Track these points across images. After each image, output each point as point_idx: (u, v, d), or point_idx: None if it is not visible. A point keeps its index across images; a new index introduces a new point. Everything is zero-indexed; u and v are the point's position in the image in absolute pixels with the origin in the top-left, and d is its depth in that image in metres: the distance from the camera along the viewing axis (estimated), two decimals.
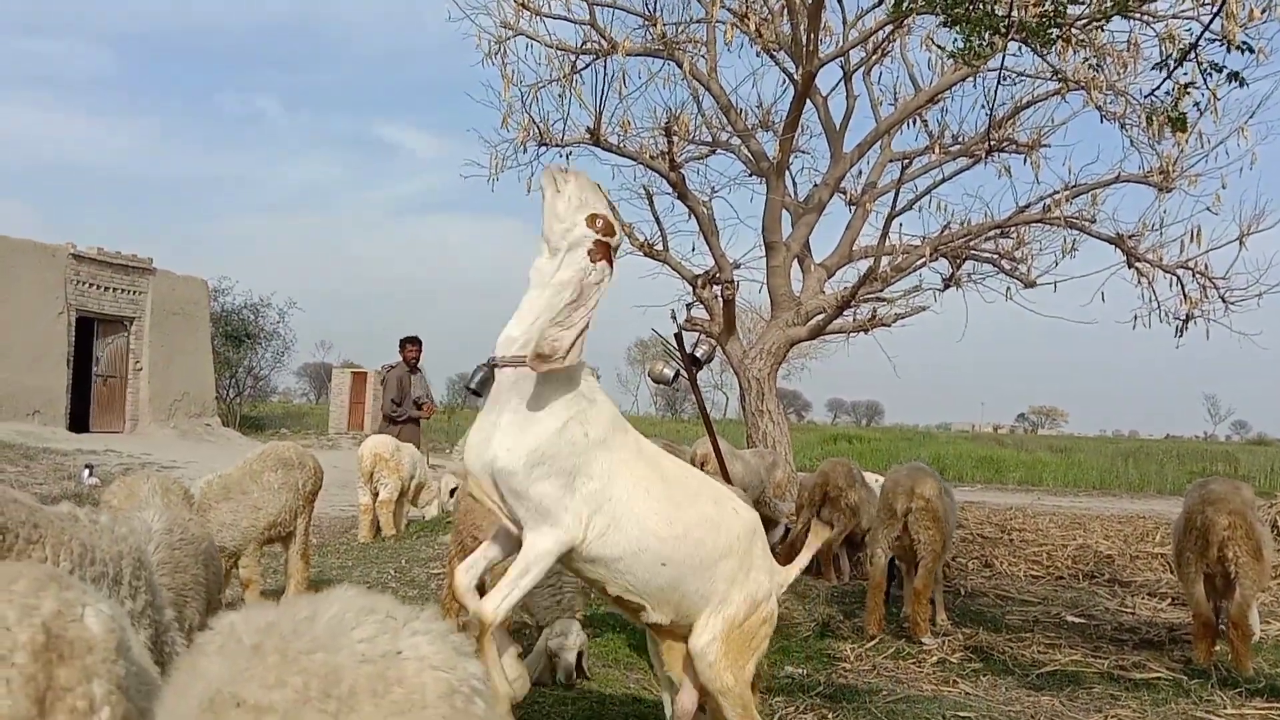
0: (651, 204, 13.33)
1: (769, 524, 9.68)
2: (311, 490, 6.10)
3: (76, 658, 1.66)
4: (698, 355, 7.38)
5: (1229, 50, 4.47)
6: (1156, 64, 4.58)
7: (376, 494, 9.03)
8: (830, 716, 4.54)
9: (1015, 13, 4.59)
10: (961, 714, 4.63)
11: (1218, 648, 5.73)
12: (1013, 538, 10.53)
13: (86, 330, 21.22)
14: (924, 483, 6.15)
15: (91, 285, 20.91)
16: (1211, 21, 4.48)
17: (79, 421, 20.65)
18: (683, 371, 7.38)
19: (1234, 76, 4.39)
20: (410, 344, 10.74)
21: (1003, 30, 4.12)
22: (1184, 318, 12.13)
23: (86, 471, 12.79)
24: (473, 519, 5.14)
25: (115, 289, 21.51)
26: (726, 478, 6.85)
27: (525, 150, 12.29)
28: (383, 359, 11.73)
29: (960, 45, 4.26)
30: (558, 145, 12.24)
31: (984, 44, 4.32)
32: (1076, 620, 7.02)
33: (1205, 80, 4.61)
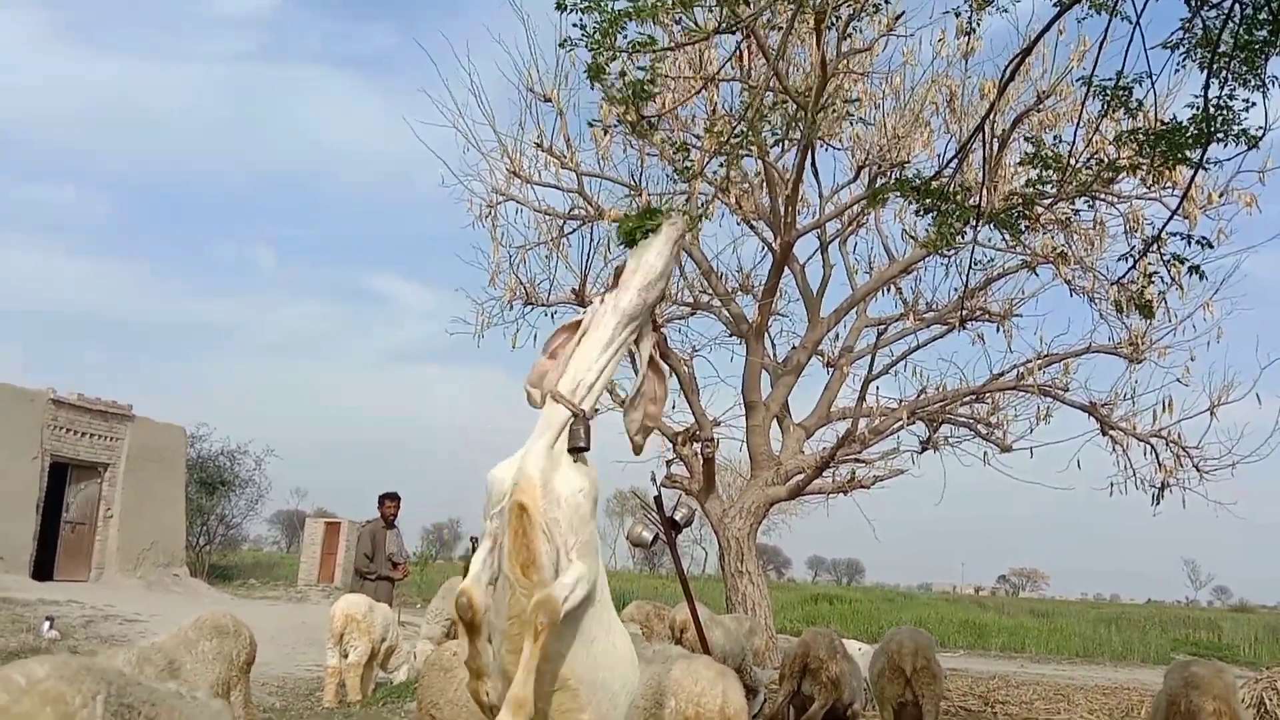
0: (634, 361, 13.47)
1: (748, 693, 9.44)
2: (245, 662, 5.95)
3: None
4: (677, 519, 7.32)
5: (1189, 244, 4.70)
6: (1122, 255, 4.80)
7: (346, 655, 8.79)
8: None
9: (985, 203, 4.83)
10: None
11: None
12: (996, 711, 10.29)
13: (59, 476, 20.92)
14: (926, 645, 7.20)
15: (69, 431, 20.75)
16: (1172, 216, 4.72)
17: (43, 569, 20.11)
18: (661, 535, 7.32)
19: (1195, 270, 4.60)
20: (389, 500, 10.65)
21: (972, 222, 4.34)
22: (1159, 485, 12.23)
23: (47, 624, 12.41)
24: (432, 695, 5.01)
25: (92, 435, 21.34)
26: (705, 645, 6.73)
27: (511, 308, 12.53)
28: (359, 507, 11.64)
29: (932, 235, 4.47)
30: (543, 305, 12.50)
31: (954, 233, 4.53)
32: None
33: (1169, 271, 4.82)
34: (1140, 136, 4.45)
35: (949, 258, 10.20)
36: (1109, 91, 4.41)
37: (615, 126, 7.69)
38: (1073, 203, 7.80)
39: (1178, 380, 11.77)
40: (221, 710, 3.21)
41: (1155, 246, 4.65)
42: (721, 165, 8.27)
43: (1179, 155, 4.43)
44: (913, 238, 9.37)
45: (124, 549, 21.61)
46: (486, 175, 12.03)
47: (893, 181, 4.66)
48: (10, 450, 19.39)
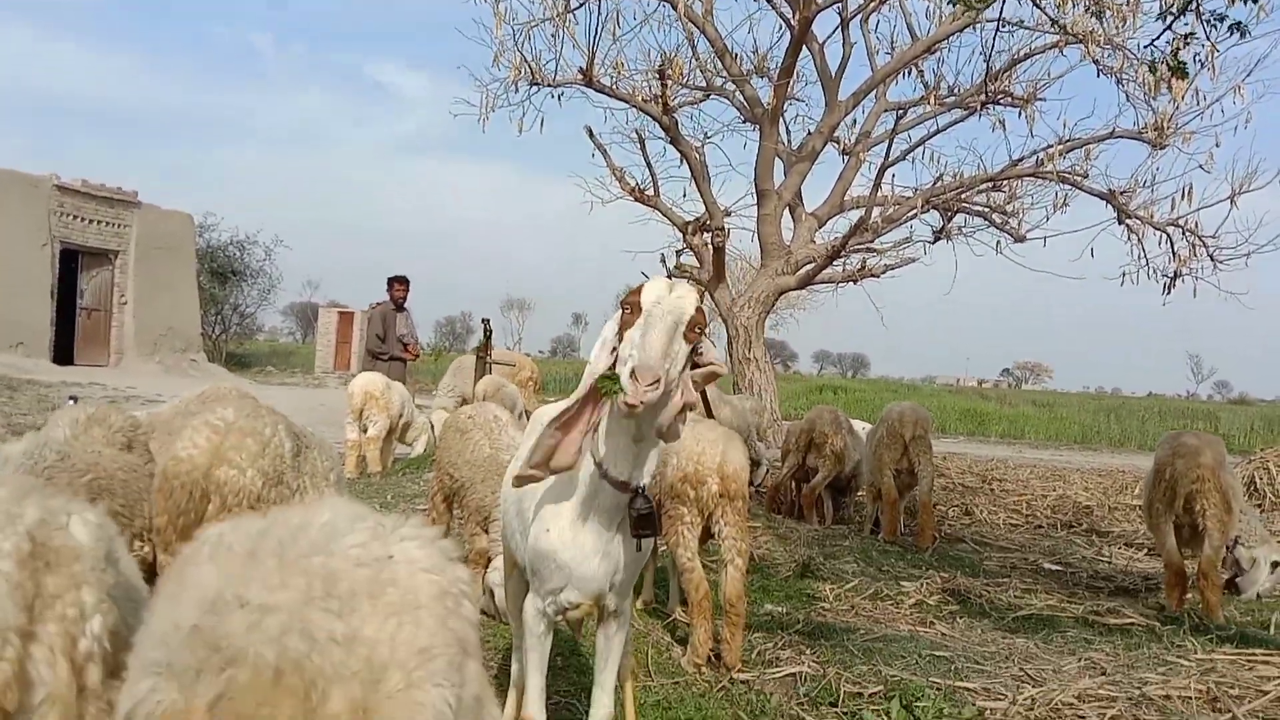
0: (643, 148, 13.22)
1: (753, 465, 9.76)
2: None
3: (64, 565, 1.66)
4: None
5: (1231, 1, 4.41)
6: (1158, 15, 4.52)
7: (365, 429, 9.04)
8: (808, 653, 4.60)
9: None
10: (937, 654, 4.70)
11: (1190, 596, 5.84)
12: (993, 487, 10.64)
13: (70, 263, 21.02)
14: (925, 418, 7.71)
15: (75, 217, 20.67)
16: None
17: (63, 354, 20.55)
18: None
19: (1236, 27, 4.35)
20: (398, 283, 10.67)
21: None
22: (1172, 275, 12.17)
23: (71, 402, 12.73)
24: (450, 456, 5.15)
25: (99, 222, 21.27)
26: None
27: (517, 90, 12.12)
28: (370, 299, 11.65)
29: None
30: (550, 85, 12.08)
31: None
32: (1053, 567, 7.12)
33: (1206, 31, 4.57)
34: None
35: (975, 23, 9.72)
36: None
37: None
38: None
39: (1200, 167, 11.49)
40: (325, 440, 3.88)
41: (1193, 5, 4.38)
42: None
43: None
44: None
45: (140, 334, 21.97)
46: None
47: None
48: (19, 236, 19.41)
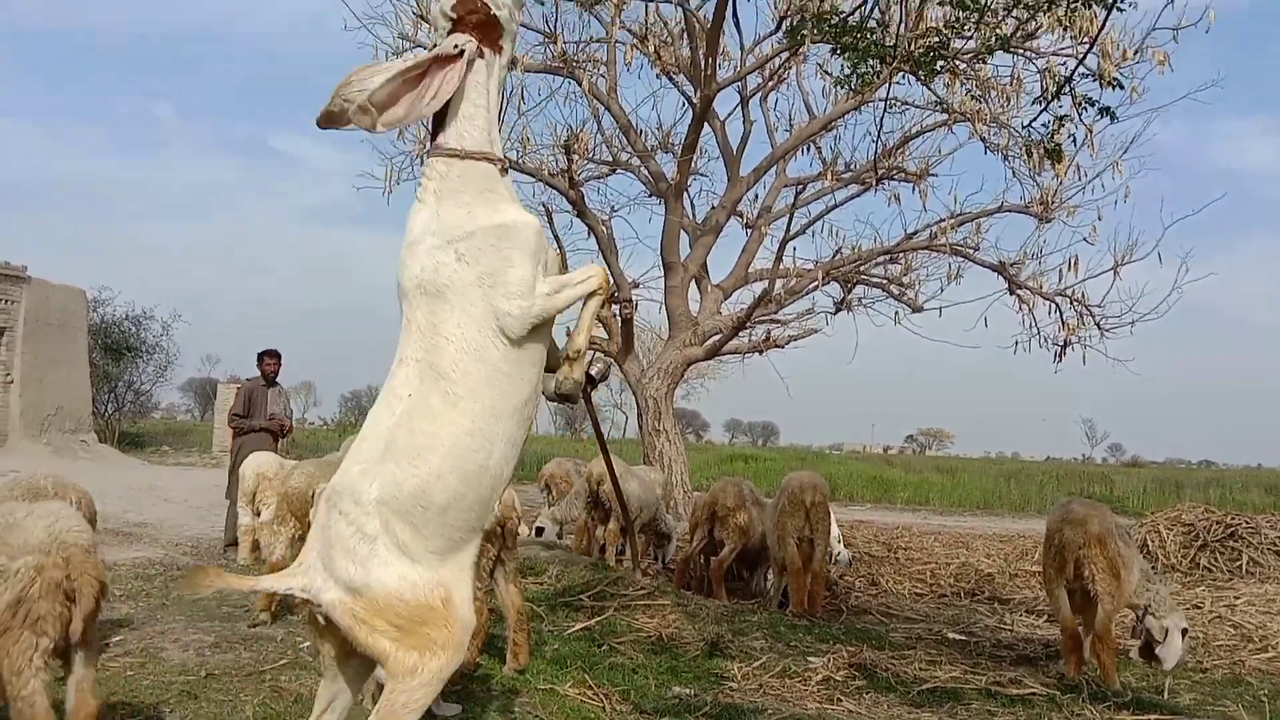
0: (551, 221, 13.30)
1: (662, 539, 9.67)
2: None
3: None
4: (593, 374, 7.26)
5: (1103, 87, 4.65)
6: (1035, 99, 4.74)
7: (258, 514, 8.71)
8: None
9: (900, 44, 4.71)
10: None
11: (1088, 662, 5.93)
12: (899, 556, 10.74)
13: None
14: (823, 485, 7.93)
15: None
16: (1085, 56, 4.67)
17: None
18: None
19: (1105, 111, 4.58)
20: (269, 357, 10.20)
21: (888, 60, 4.22)
22: (1062, 343, 12.67)
23: None
24: None
25: None
26: (620, 497, 6.78)
27: (422, 163, 12.13)
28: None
29: (847, 72, 4.35)
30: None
31: (870, 72, 4.42)
32: (957, 637, 7.18)
33: (1080, 114, 4.79)
34: None
35: (868, 101, 10.08)
36: None
37: None
38: (991, 55, 7.72)
39: (1084, 240, 12.06)
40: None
41: (1068, 88, 4.61)
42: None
43: None
44: (827, 74, 9.22)
45: (27, 414, 20.98)
46: (392, 19, 11.49)
47: (810, 18, 4.50)
48: None
